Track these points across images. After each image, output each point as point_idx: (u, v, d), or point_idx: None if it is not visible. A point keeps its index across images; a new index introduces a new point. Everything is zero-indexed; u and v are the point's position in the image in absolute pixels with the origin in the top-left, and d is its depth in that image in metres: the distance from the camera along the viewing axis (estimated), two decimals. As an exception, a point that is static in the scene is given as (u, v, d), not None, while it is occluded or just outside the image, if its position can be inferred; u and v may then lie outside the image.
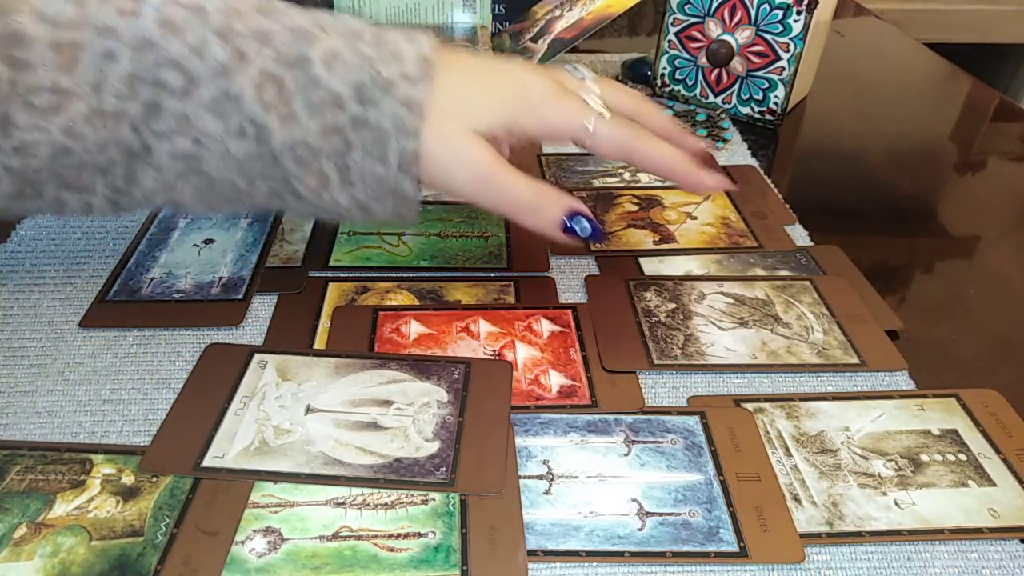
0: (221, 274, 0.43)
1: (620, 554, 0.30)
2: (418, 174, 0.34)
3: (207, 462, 0.32)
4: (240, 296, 0.42)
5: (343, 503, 0.31)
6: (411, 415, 0.35)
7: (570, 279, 0.45)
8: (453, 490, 0.32)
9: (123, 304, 0.41)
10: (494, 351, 0.39)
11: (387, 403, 0.35)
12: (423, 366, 0.38)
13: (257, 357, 0.38)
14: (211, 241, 0.46)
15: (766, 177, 0.55)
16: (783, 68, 0.60)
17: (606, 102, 0.37)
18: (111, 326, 0.40)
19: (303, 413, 0.35)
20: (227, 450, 0.33)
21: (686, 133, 0.41)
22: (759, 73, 0.61)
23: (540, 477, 0.33)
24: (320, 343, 0.39)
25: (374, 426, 0.34)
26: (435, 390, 0.36)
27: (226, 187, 0.34)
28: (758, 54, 0.60)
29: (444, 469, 0.32)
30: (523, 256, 0.46)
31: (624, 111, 0.38)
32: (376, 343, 0.39)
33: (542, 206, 0.36)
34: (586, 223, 0.36)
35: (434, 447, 0.33)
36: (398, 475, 0.32)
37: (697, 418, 0.36)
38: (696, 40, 0.62)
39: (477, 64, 0.36)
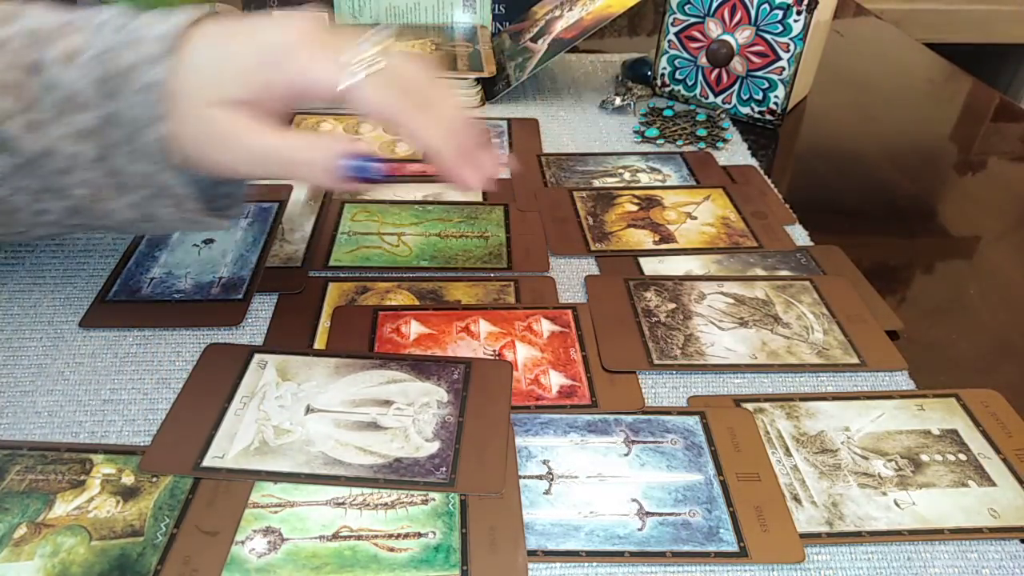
0: (221, 274, 0.43)
1: (620, 554, 0.30)
2: (181, 163, 0.31)
3: (207, 462, 0.32)
4: (240, 296, 0.42)
5: (343, 503, 0.31)
6: (411, 415, 0.35)
7: (570, 279, 0.45)
8: (453, 490, 0.32)
9: (123, 304, 0.41)
10: (494, 351, 0.39)
11: (387, 403, 0.35)
12: (423, 366, 0.38)
13: (257, 357, 0.38)
14: (211, 241, 0.46)
15: (766, 177, 0.55)
16: (783, 68, 0.60)
17: (385, 66, 0.32)
18: (111, 326, 0.40)
19: (303, 413, 0.35)
20: (227, 450, 0.33)
21: (472, 131, 0.36)
22: (759, 73, 0.61)
23: (540, 477, 0.33)
24: (320, 343, 0.39)
25: (374, 426, 0.34)
26: (435, 390, 0.36)
27: (9, 209, 0.32)
28: (758, 54, 0.60)
29: (444, 469, 0.32)
30: (523, 256, 0.46)
31: (408, 85, 0.33)
32: (376, 343, 0.39)
33: (312, 159, 0.32)
34: (365, 163, 0.32)
35: (434, 447, 0.33)
36: (398, 475, 0.32)
37: (697, 418, 0.36)
38: (696, 40, 0.62)
39: (233, 29, 0.32)
